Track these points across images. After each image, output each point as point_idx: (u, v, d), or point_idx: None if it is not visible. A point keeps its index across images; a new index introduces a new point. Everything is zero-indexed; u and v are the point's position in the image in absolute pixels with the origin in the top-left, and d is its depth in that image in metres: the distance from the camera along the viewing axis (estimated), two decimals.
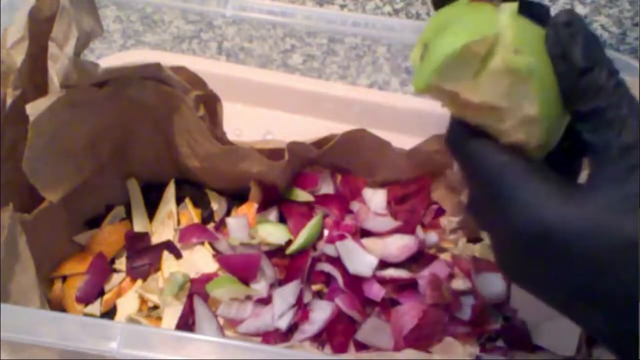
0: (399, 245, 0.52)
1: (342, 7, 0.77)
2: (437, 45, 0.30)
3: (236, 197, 0.57)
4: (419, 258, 0.52)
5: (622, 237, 0.27)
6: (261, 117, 0.66)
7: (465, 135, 0.32)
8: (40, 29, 0.44)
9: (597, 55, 0.29)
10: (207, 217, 0.56)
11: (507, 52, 0.29)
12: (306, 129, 0.61)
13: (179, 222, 0.55)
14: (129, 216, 0.56)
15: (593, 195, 0.28)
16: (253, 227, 0.53)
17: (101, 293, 0.52)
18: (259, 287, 0.51)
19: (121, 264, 0.54)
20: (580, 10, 0.77)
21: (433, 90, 0.31)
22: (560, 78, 0.30)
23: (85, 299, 0.51)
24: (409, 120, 0.63)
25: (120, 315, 0.51)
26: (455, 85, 0.30)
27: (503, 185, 0.30)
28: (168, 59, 0.55)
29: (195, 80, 0.51)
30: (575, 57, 0.29)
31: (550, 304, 0.31)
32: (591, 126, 0.29)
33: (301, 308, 0.50)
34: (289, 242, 0.52)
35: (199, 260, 0.53)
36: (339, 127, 0.54)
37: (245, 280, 0.51)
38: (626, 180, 0.28)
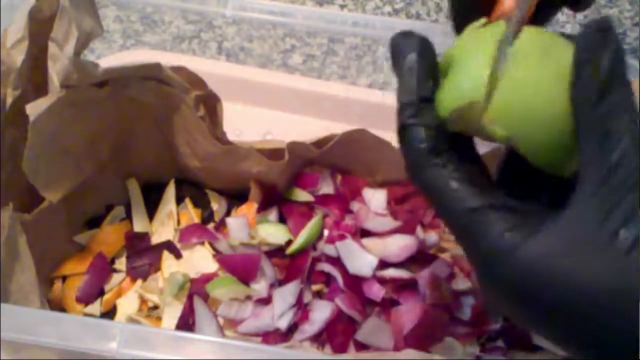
0: (399, 245, 0.52)
1: (342, 7, 0.77)
2: (438, 99, 0.31)
3: (236, 197, 0.57)
4: (419, 258, 0.52)
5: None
6: (261, 117, 0.66)
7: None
8: (40, 29, 0.44)
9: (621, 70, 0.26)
10: (207, 217, 0.56)
11: (485, 122, 0.29)
12: (306, 129, 0.61)
13: (179, 222, 0.55)
14: (129, 216, 0.56)
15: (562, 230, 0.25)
16: (253, 227, 0.53)
17: (101, 293, 0.52)
18: (259, 287, 0.51)
19: (121, 264, 0.54)
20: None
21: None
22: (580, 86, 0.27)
23: (85, 299, 0.51)
24: None
25: (120, 315, 0.51)
26: (462, 128, 0.31)
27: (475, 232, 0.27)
28: (168, 59, 0.55)
29: (195, 80, 0.51)
30: (603, 65, 0.26)
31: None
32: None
33: (301, 308, 0.50)
34: (289, 242, 0.52)
35: (199, 260, 0.52)
36: (339, 127, 0.54)
37: (245, 280, 0.51)
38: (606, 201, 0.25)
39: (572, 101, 0.27)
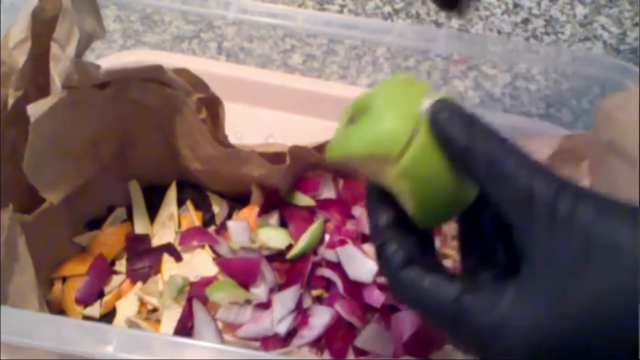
0: None
1: (342, 7, 0.77)
2: (350, 135, 0.33)
3: (237, 201, 0.56)
4: None
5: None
6: (261, 118, 0.65)
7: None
8: (42, 30, 0.44)
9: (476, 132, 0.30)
10: (208, 220, 0.56)
11: (391, 176, 0.32)
12: (306, 129, 0.61)
13: (179, 225, 0.55)
14: (130, 218, 0.56)
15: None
16: (254, 231, 0.53)
17: (101, 295, 0.52)
18: (259, 292, 0.50)
19: (121, 265, 0.53)
20: (580, 10, 0.77)
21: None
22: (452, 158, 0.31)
23: (85, 301, 0.51)
24: None
25: (120, 317, 0.51)
26: (364, 170, 0.34)
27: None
28: (168, 59, 0.54)
29: (197, 83, 0.50)
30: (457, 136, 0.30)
31: None
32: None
33: (300, 313, 0.50)
34: (290, 247, 0.52)
35: (199, 263, 0.52)
36: None
37: (245, 284, 0.51)
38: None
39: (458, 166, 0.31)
